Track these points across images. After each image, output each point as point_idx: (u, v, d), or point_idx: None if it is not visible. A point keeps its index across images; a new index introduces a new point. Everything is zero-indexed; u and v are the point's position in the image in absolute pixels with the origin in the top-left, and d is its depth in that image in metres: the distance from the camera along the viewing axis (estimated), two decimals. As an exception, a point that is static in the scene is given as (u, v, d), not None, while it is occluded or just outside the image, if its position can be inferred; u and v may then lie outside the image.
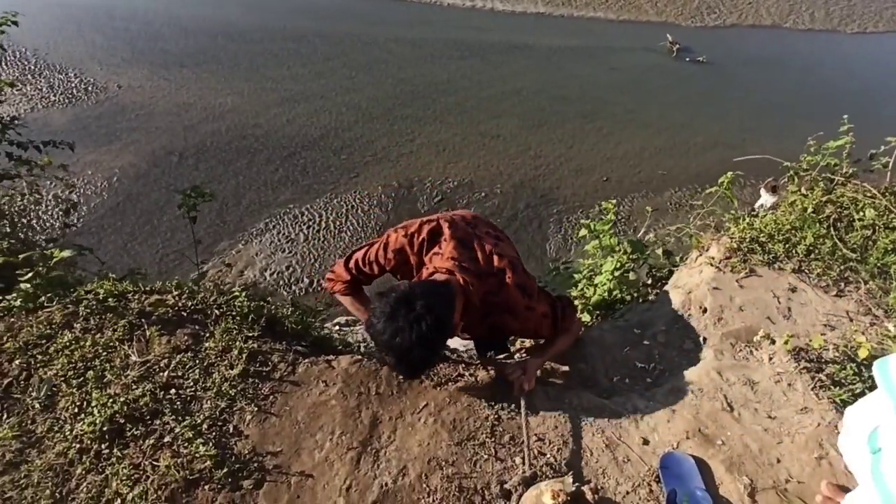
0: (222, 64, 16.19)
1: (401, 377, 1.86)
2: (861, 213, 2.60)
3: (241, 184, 12.72)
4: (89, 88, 14.32)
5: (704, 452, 1.76)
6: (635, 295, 3.10)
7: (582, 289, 3.22)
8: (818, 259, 2.45)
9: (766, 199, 11.68)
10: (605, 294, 3.03)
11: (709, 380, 2.02)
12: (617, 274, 2.93)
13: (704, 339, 2.22)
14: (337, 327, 8.34)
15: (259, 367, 1.96)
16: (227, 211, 12.09)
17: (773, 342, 2.16)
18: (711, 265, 2.45)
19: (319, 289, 10.72)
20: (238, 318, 2.12)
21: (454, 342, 3.00)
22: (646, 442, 1.82)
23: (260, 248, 11.33)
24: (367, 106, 15.37)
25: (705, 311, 2.30)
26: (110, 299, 2.13)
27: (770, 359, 2.11)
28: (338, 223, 11.96)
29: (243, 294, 2.16)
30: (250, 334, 2.06)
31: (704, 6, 24.15)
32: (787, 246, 2.51)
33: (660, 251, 3.16)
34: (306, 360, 2.01)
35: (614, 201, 3.10)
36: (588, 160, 14.40)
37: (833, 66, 20.19)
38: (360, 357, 2.04)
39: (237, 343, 2.00)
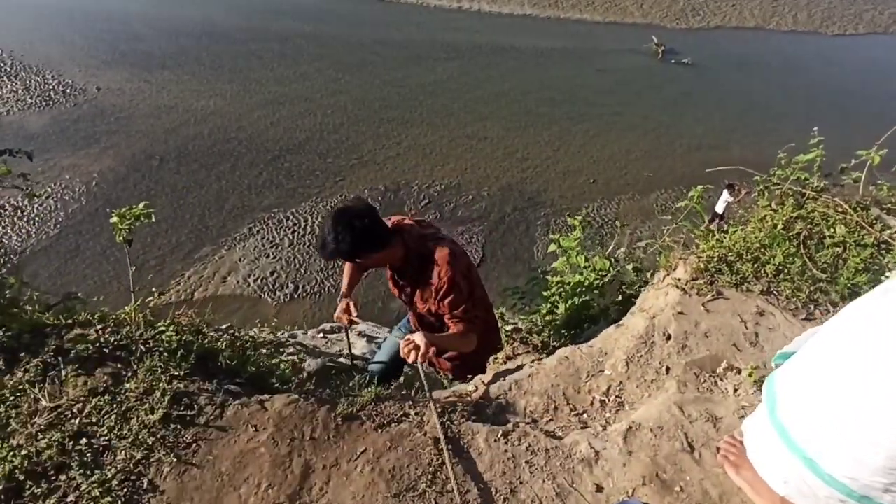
0: (205, 65, 15.90)
1: (342, 250, 2.10)
2: (832, 230, 2.48)
3: (224, 188, 12.49)
4: (67, 91, 14.01)
5: (661, 501, 1.62)
6: (601, 312, 2.97)
7: (550, 309, 3.07)
8: (787, 279, 2.32)
9: (724, 198, 11.64)
10: (572, 311, 2.89)
11: (669, 416, 1.88)
12: (578, 302, 2.79)
13: (668, 369, 2.08)
14: (321, 335, 8.16)
15: (183, 410, 1.79)
16: (209, 215, 11.86)
17: (739, 372, 2.02)
18: (677, 287, 2.31)
19: (305, 295, 10.55)
20: (165, 354, 1.95)
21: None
22: (599, 489, 1.67)
23: (243, 254, 11.11)
24: (353, 108, 15.16)
25: (669, 337, 2.15)
26: (25, 335, 1.95)
27: (735, 390, 1.97)
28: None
29: (171, 328, 1.99)
30: (177, 373, 1.88)
31: (689, 8, 24.13)
32: (755, 266, 2.38)
33: (629, 267, 3.02)
34: (236, 402, 1.85)
35: (579, 218, 2.96)
36: (575, 162, 14.28)
37: (815, 68, 20.22)
38: (296, 397, 1.88)
39: (161, 384, 1.83)
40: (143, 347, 1.98)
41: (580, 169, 14.01)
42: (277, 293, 10.35)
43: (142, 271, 10.51)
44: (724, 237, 2.61)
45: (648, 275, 2.97)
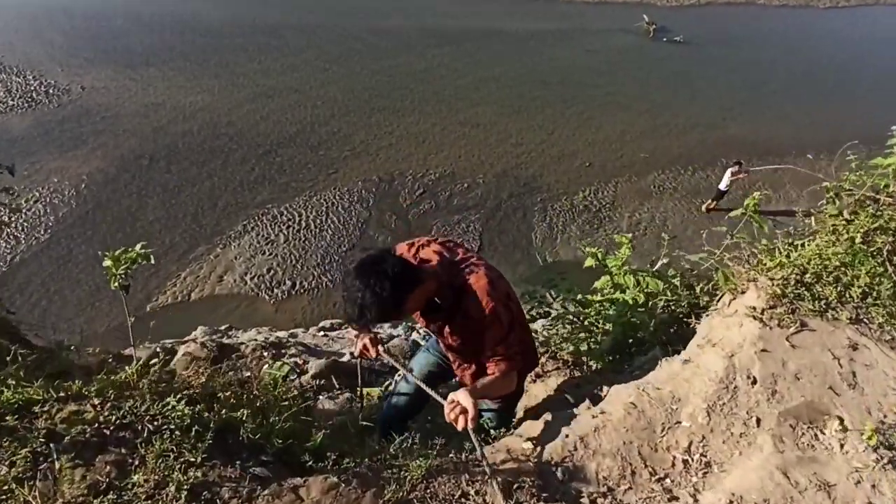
0: (190, 61, 15.20)
1: (386, 317, 1.87)
2: (918, 243, 2.18)
3: (217, 185, 11.99)
4: (51, 91, 13.31)
5: None
6: (651, 334, 2.66)
7: (591, 331, 2.75)
8: (878, 304, 2.02)
9: (728, 176, 11.37)
10: (619, 338, 2.58)
11: (773, 484, 1.58)
12: (624, 320, 2.47)
13: (758, 421, 1.78)
14: (322, 333, 7.82)
15: (204, 507, 1.47)
16: (202, 214, 11.39)
17: (842, 422, 1.73)
18: (754, 318, 2.00)
19: (302, 291, 10.19)
20: (178, 432, 1.62)
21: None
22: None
23: (239, 252, 10.69)
24: (343, 99, 14.60)
25: (755, 381, 1.85)
26: (8, 417, 1.60)
27: (842, 446, 1.68)
28: (318, 222, 11.35)
29: (182, 402, 1.64)
30: (193, 458, 1.55)
31: (678, -16, 23.54)
32: (838, 288, 2.08)
33: (677, 280, 2.70)
34: (266, 492, 1.52)
35: (630, 235, 2.61)
36: (570, 146, 13.90)
37: (807, 42, 19.85)
38: (335, 481, 1.55)
39: (175, 474, 1.50)
40: (150, 426, 1.63)
41: (575, 152, 13.64)
42: (275, 290, 9.99)
43: (137, 273, 10.06)
44: (793, 252, 2.29)
45: (699, 290, 2.65)
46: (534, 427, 2.14)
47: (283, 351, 5.62)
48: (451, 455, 1.82)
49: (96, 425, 1.62)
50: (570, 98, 15.37)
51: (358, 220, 11.46)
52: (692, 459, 1.77)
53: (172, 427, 1.64)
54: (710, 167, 12.86)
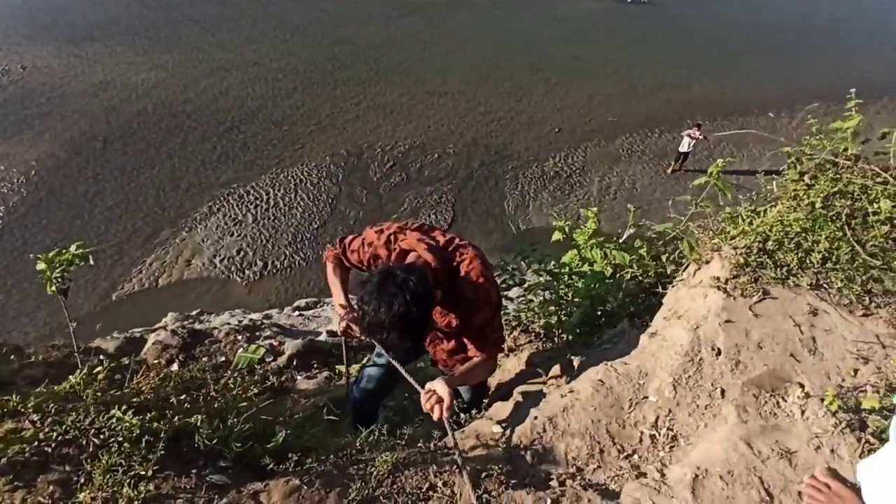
0: (138, 34, 14.35)
1: (407, 346, 1.71)
2: (875, 205, 2.18)
3: (178, 166, 11.52)
4: (-12, 72, 12.48)
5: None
6: (619, 306, 2.65)
7: (561, 304, 2.72)
8: (836, 269, 2.03)
9: (688, 138, 11.51)
10: (588, 311, 2.55)
11: (737, 455, 1.58)
12: (593, 293, 2.43)
13: (723, 392, 1.78)
14: (297, 312, 7.70)
15: (157, 523, 1.39)
16: (164, 196, 10.96)
17: (802, 388, 1.74)
18: (718, 288, 1.99)
19: (275, 272, 9.99)
20: (126, 444, 1.52)
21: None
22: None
23: (206, 234, 10.37)
24: (305, 70, 14.06)
25: (719, 352, 1.85)
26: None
27: (802, 412, 1.69)
28: (287, 199, 11.05)
29: (129, 413, 1.53)
30: (143, 471, 1.46)
31: (642, -59, 23.14)
32: (799, 254, 2.07)
33: (644, 251, 2.68)
34: (225, 500, 1.45)
35: (595, 210, 2.56)
36: (539, 112, 13.76)
37: (775, 2, 19.87)
38: (297, 483, 1.49)
39: (124, 490, 1.41)
40: (95, 440, 1.53)
41: (544, 119, 13.53)
42: (246, 272, 9.77)
43: (99, 262, 9.68)
44: (755, 219, 2.27)
45: (665, 259, 2.63)
46: (504, 409, 2.11)
47: (257, 333, 5.49)
48: (419, 445, 1.78)
49: (36, 443, 1.52)
50: (538, 64, 15.14)
51: (328, 196, 11.21)
52: (659, 434, 1.76)
53: (120, 439, 1.54)
54: (675, 129, 12.94)
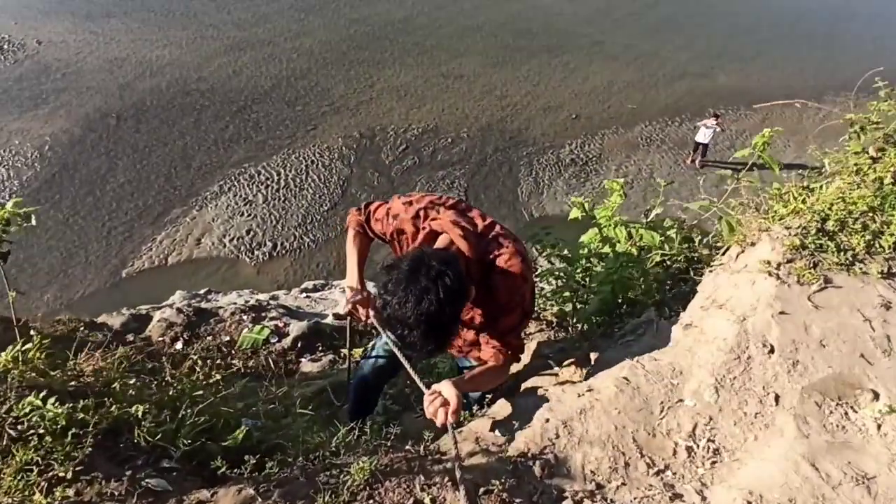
0: (154, 11, 14.07)
1: (429, 348, 1.45)
2: (957, 182, 1.81)
3: (190, 144, 11.30)
4: (4, 46, 12.26)
5: None
6: (645, 292, 2.31)
7: (576, 289, 2.38)
8: (913, 255, 1.68)
9: (706, 129, 10.95)
10: (608, 298, 2.22)
11: (800, 478, 1.25)
12: (615, 277, 2.09)
13: (777, 398, 1.44)
14: (304, 294, 7.46)
15: (74, 536, 1.11)
16: (176, 175, 10.77)
17: (877, 397, 1.40)
18: (769, 274, 1.64)
19: (284, 253, 9.78)
20: (49, 438, 1.24)
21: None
22: None
23: (216, 214, 10.17)
24: (319, 51, 13.70)
25: (772, 350, 1.50)
26: None
27: (879, 427, 1.35)
28: (298, 180, 10.79)
29: (52, 401, 1.24)
30: (64, 472, 1.18)
31: (667, -76, 22.21)
32: (866, 237, 1.72)
33: (673, 232, 2.33)
34: (160, 511, 1.17)
35: (622, 180, 2.21)
36: (556, 97, 13.27)
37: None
38: (251, 493, 1.19)
39: (36, 497, 1.14)
40: (12, 432, 1.24)
41: (561, 104, 13.04)
42: (256, 252, 9.57)
43: (110, 238, 9.58)
44: (810, 196, 1.91)
45: (697, 242, 2.28)
46: (508, 406, 1.79)
47: (263, 314, 5.30)
48: (406, 448, 1.47)
49: (-61, 433, 1.23)
50: (556, 48, 14.60)
51: (339, 178, 10.93)
52: (697, 446, 1.43)
53: (42, 431, 1.24)
54: (697, 118, 12.39)
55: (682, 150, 11.64)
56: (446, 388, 1.47)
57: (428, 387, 1.53)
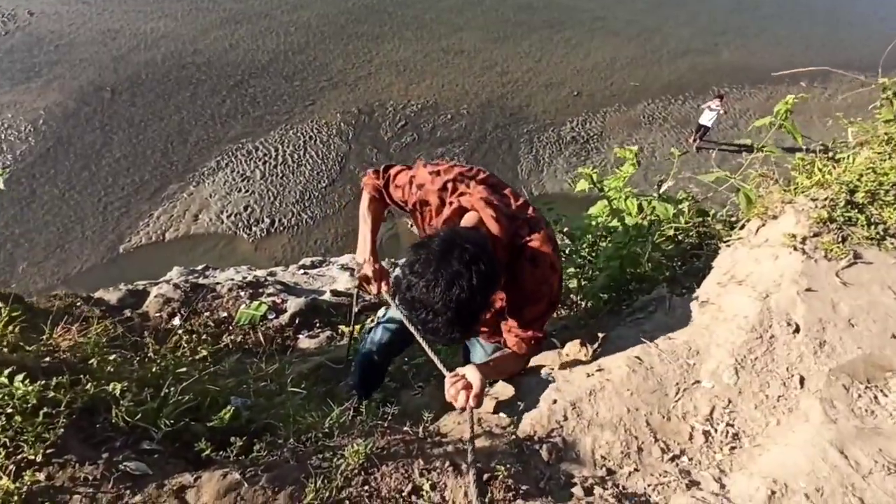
0: (148, -20, 13.65)
1: (453, 336, 1.30)
2: None
3: (186, 119, 11.04)
4: (-5, 17, 11.91)
5: None
6: (656, 267, 2.18)
7: (582, 265, 2.26)
8: (947, 229, 1.55)
9: (710, 110, 10.70)
10: (616, 274, 2.10)
11: (828, 467, 1.16)
12: (624, 252, 1.97)
13: (802, 380, 1.33)
14: (302, 271, 7.37)
15: (42, 523, 1.01)
16: (172, 150, 10.55)
17: (910, 380, 1.30)
18: (794, 248, 1.52)
19: (282, 229, 9.66)
20: (18, 417, 1.13)
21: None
22: None
23: (213, 189, 9.99)
24: (317, 24, 13.32)
25: (797, 329, 1.39)
26: None
27: (911, 412, 1.25)
28: (296, 156, 10.59)
29: (21, 378, 1.13)
30: (33, 455, 1.08)
31: None
32: (898, 210, 1.59)
33: (685, 206, 2.20)
34: (138, 497, 1.06)
35: (635, 148, 2.06)
36: (557, 74, 12.97)
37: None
38: (237, 478, 1.09)
39: (2, 481, 1.03)
40: (-25, 410, 1.13)
41: (563, 81, 12.76)
42: (253, 228, 9.45)
43: (106, 213, 9.42)
44: (834, 168, 1.78)
45: (711, 217, 2.15)
46: (511, 387, 1.69)
47: (260, 290, 5.23)
48: (404, 430, 1.36)
49: None
50: (558, 23, 14.22)
51: (337, 154, 10.73)
52: (715, 430, 1.33)
53: (11, 410, 1.13)
54: (701, 96, 12.14)
55: (685, 128, 11.42)
56: (471, 372, 1.38)
57: (451, 370, 1.44)
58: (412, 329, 1.57)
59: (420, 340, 1.56)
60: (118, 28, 12.21)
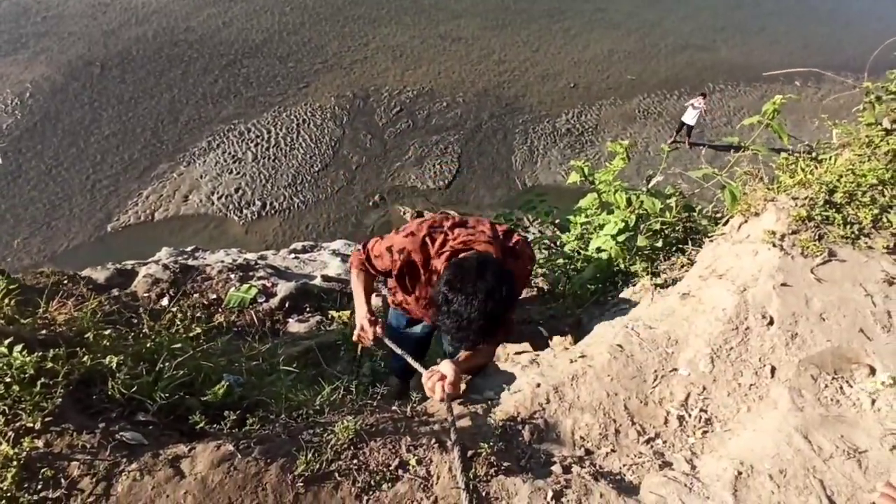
0: (140, -47, 13.39)
1: (478, 340, 1.51)
2: (968, 157, 1.75)
3: (177, 98, 10.92)
4: (-19, -15, 11.65)
5: None
6: (638, 265, 2.25)
7: (570, 257, 2.32)
8: (919, 230, 1.63)
9: (693, 108, 10.76)
10: (603, 266, 2.16)
11: (791, 450, 1.23)
12: (620, 239, 2.04)
13: (773, 370, 1.40)
14: (293, 255, 7.38)
15: (41, 490, 1.05)
16: (163, 129, 10.44)
17: (873, 372, 1.37)
18: (773, 245, 1.58)
19: (273, 212, 9.63)
20: (17, 386, 1.17)
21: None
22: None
23: (204, 170, 9.91)
24: (313, 5, 13.17)
25: (771, 322, 1.46)
26: None
27: (873, 402, 1.33)
28: (289, 139, 10.52)
29: (20, 349, 1.16)
30: (32, 423, 1.12)
31: None
32: (874, 210, 1.66)
33: (673, 201, 2.26)
34: (134, 465, 1.11)
35: (626, 142, 2.11)
36: (555, 65, 12.95)
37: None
38: (231, 449, 1.14)
39: (2, 447, 1.07)
40: (-25, 379, 1.17)
41: (560, 72, 12.75)
42: (244, 211, 9.40)
43: (94, 191, 9.33)
44: (816, 168, 1.84)
45: (697, 213, 2.22)
46: (495, 371, 1.75)
47: (251, 273, 5.23)
48: (392, 409, 1.42)
49: None
50: (557, 12, 14.17)
51: (331, 138, 10.67)
52: (689, 415, 1.40)
53: (8, 380, 1.17)
54: (696, 92, 12.19)
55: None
56: (445, 366, 1.48)
57: (426, 368, 1.56)
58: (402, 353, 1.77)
59: (394, 348, 1.77)
60: (108, 1, 12.00)
